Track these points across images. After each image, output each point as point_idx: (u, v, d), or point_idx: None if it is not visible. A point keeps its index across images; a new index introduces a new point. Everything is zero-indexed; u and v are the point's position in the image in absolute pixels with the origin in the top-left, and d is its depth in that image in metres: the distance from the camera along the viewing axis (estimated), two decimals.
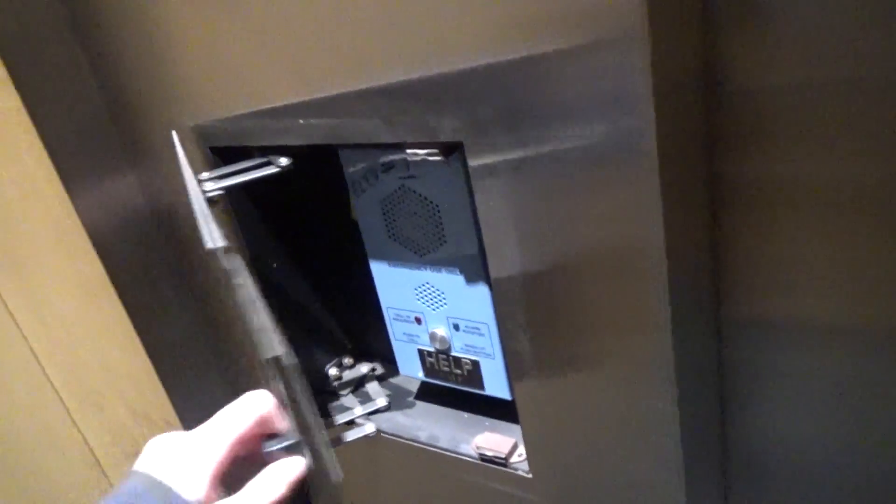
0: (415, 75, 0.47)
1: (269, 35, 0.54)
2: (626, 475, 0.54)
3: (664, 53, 0.40)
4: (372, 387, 0.75)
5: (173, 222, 0.76)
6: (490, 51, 0.43)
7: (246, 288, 0.49)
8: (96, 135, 0.73)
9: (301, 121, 0.55)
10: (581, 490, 0.58)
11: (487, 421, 0.66)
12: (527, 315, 0.52)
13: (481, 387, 0.61)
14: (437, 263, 0.58)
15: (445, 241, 0.57)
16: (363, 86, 0.50)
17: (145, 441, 0.44)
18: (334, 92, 0.52)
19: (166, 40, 0.61)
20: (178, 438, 0.44)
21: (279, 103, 0.56)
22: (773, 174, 0.48)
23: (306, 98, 0.53)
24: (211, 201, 0.55)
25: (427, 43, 0.45)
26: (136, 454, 0.43)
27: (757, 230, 0.50)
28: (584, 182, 0.45)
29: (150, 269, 0.80)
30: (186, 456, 0.43)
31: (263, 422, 0.46)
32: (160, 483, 0.41)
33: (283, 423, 0.47)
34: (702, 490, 0.56)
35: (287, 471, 0.45)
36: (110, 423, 0.96)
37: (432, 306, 0.61)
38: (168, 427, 0.91)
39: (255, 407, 0.46)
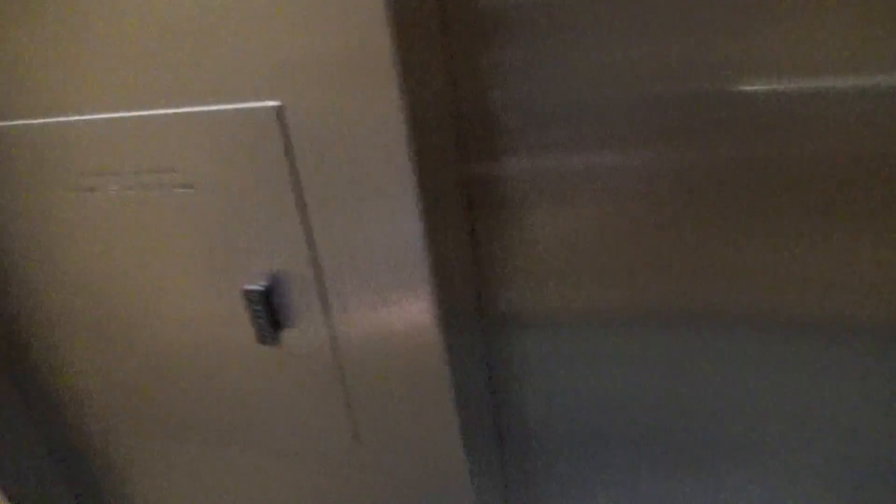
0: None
1: (60, 49, 0.54)
2: (418, 448, 0.60)
3: (411, 76, 0.44)
4: None
5: None
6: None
7: None
8: None
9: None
10: (390, 462, 0.63)
11: None
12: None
13: None
14: None
15: None
16: (127, 113, 0.54)
17: None
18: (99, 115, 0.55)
19: None
20: None
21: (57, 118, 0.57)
22: (512, 179, 0.53)
23: (75, 117, 0.56)
24: None
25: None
26: None
27: (504, 232, 0.56)
28: (350, 201, 0.49)
29: None
30: None
31: None
32: None
33: None
34: (481, 461, 0.62)
35: None
36: None
37: None
38: None
39: None
